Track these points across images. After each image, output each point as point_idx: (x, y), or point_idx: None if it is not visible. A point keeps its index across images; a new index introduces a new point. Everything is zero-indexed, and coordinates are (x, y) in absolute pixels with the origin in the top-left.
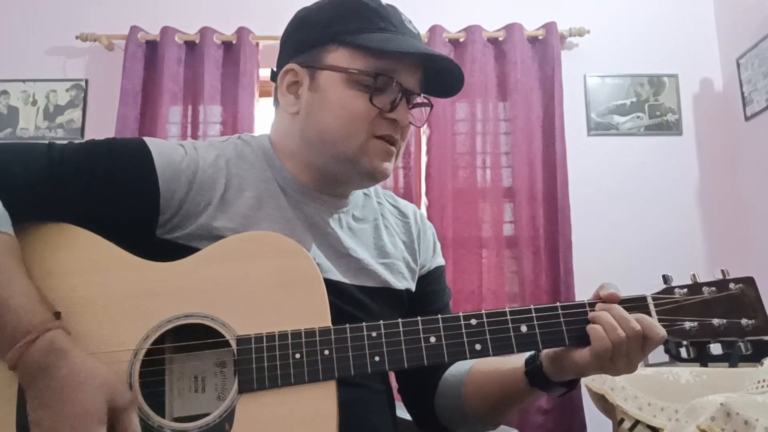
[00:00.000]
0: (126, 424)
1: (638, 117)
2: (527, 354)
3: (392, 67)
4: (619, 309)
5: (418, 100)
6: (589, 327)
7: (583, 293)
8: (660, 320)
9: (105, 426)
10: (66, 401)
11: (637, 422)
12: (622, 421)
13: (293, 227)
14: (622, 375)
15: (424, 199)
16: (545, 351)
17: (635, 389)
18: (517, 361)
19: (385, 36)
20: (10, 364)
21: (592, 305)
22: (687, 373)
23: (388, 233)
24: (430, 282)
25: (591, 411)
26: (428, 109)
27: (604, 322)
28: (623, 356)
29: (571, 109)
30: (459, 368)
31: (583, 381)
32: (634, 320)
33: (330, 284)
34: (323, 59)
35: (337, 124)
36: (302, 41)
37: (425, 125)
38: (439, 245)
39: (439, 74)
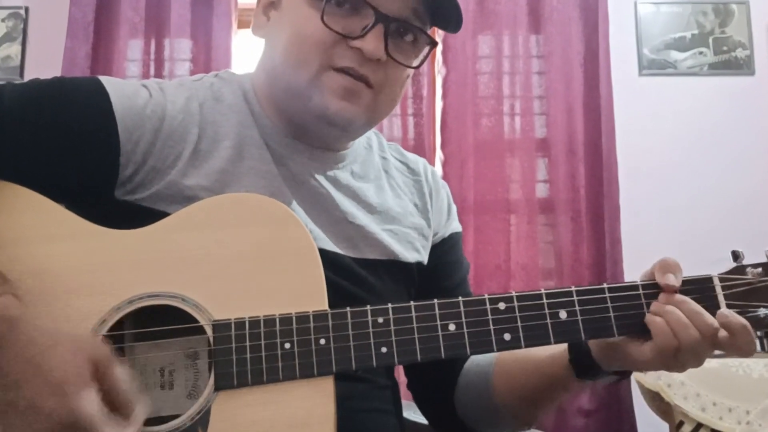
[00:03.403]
0: (116, 379)
1: (701, 53)
2: None
3: None
4: (690, 303)
5: (411, 35)
6: (650, 320)
7: (632, 269)
8: (729, 306)
9: (92, 386)
10: (38, 372)
11: (699, 426)
12: (681, 424)
13: (279, 186)
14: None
15: (439, 154)
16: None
17: (697, 386)
18: (555, 345)
19: None
20: None
21: (647, 287)
22: (761, 365)
23: (395, 194)
24: (445, 252)
25: (643, 411)
26: (427, 48)
27: (672, 319)
28: (693, 354)
29: (619, 43)
30: (483, 356)
31: (634, 375)
32: (708, 314)
33: (325, 256)
34: None
35: (287, 50)
36: None
37: (440, 63)
38: (455, 208)
39: (440, 2)
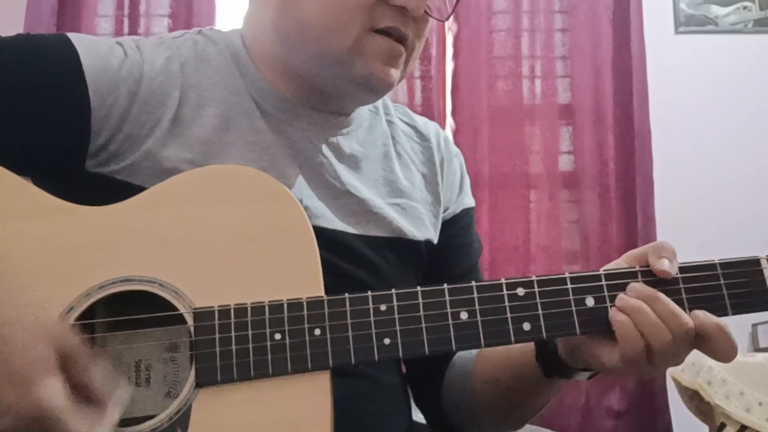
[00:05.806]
0: (87, 369)
1: (745, 8)
2: None
3: None
4: (664, 303)
5: None
6: (615, 319)
7: None
8: None
9: (59, 376)
10: None
11: (743, 428)
12: (723, 426)
13: (273, 157)
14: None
15: (449, 121)
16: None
17: (741, 383)
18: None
19: None
20: None
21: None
22: None
23: (402, 163)
24: (456, 232)
25: (680, 412)
26: None
27: (642, 319)
28: (669, 358)
29: None
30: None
31: (670, 372)
32: (686, 314)
33: (324, 234)
34: None
35: (322, 12)
36: None
37: (451, 19)
38: (468, 179)
39: None
